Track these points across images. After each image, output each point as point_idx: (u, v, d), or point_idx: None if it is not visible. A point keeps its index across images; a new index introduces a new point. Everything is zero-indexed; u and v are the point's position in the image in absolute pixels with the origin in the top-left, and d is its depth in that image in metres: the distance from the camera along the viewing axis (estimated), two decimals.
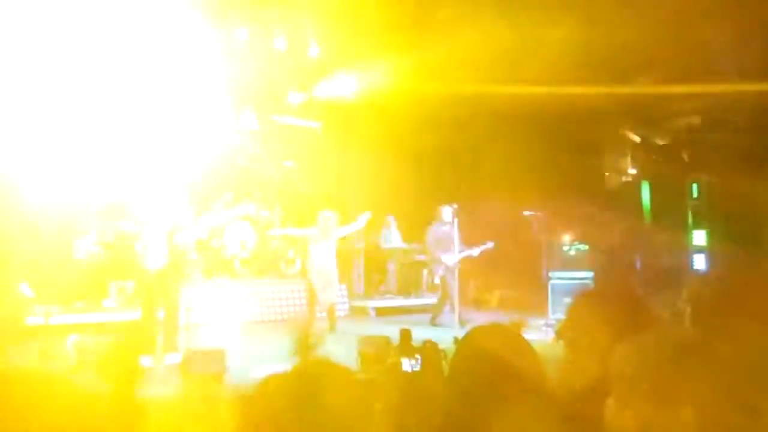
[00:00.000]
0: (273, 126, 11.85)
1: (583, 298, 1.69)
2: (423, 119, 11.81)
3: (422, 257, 9.96)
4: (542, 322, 7.69)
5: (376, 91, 11.65)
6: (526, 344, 1.46)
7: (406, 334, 2.10)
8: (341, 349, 5.61)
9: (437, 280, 8.72)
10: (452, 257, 8.30)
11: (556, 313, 8.95)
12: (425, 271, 11.12)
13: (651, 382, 1.04)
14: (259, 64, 10.78)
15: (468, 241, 8.53)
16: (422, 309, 10.40)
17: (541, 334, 7.19)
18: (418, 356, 1.93)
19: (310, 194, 11.39)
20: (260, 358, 5.33)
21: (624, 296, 1.64)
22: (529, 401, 1.34)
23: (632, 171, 19.56)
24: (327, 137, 12.30)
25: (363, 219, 8.13)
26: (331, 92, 11.66)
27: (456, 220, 8.45)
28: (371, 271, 12.29)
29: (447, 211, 8.56)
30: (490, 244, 8.57)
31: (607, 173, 19.50)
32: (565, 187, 14.39)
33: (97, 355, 3.96)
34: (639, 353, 1.08)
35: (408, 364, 1.92)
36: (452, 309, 8.29)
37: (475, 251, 8.49)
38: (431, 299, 10.72)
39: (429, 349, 1.97)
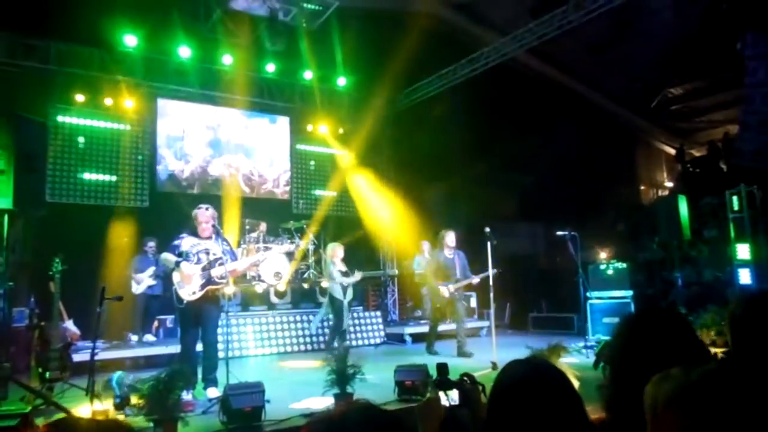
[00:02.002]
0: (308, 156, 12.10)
1: (630, 320, 1.65)
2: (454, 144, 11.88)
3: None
4: (581, 343, 7.50)
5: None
6: (563, 377, 1.44)
7: (442, 368, 2.08)
8: (379, 378, 5.59)
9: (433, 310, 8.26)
10: (450, 287, 7.81)
11: (595, 334, 8.75)
12: None
13: (672, 420, 1.01)
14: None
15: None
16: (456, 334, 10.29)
17: (581, 356, 7.01)
18: (456, 390, 1.91)
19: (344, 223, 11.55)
20: (298, 391, 5.34)
21: (672, 319, 1.59)
22: None
23: (669, 184, 19.21)
24: (359, 165, 12.46)
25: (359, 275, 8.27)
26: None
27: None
28: (405, 297, 12.28)
29: (450, 237, 8.03)
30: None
31: (643, 187, 19.20)
32: (601, 204, 14.21)
33: (140, 391, 4.03)
34: (663, 388, 1.06)
35: (446, 399, 1.90)
36: (459, 336, 7.82)
37: (475, 279, 7.87)
38: (469, 323, 10.62)
39: (467, 383, 1.95)
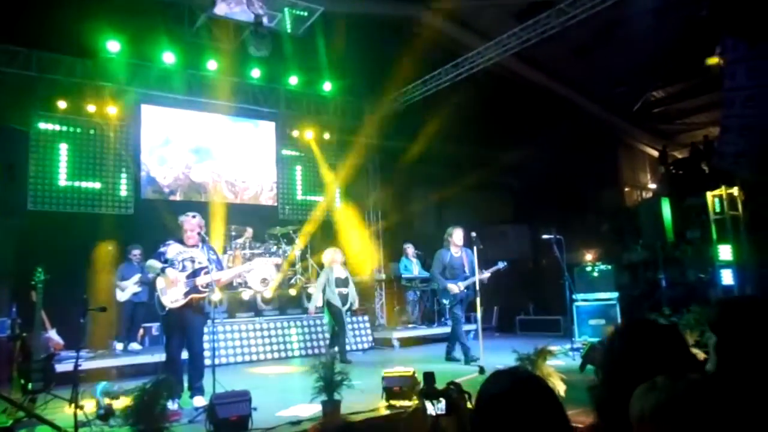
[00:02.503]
0: (295, 162, 12.07)
1: (624, 328, 1.67)
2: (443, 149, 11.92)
3: (432, 286, 9.07)
4: (567, 345, 7.55)
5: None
6: (546, 388, 1.45)
7: (429, 377, 2.09)
8: (366, 384, 5.58)
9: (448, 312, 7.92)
10: (460, 284, 7.53)
11: (582, 336, 8.82)
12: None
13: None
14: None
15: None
16: (446, 338, 10.31)
17: (567, 359, 7.06)
18: (442, 399, 1.92)
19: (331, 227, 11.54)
20: (286, 398, 5.31)
21: (666, 331, 1.61)
22: None
23: (652, 186, 19.42)
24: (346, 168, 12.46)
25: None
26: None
27: (471, 246, 7.30)
28: (392, 301, 12.29)
29: (458, 234, 7.72)
30: (501, 265, 7.60)
31: (627, 189, 19.40)
32: (586, 207, 14.33)
33: (125, 401, 3.99)
34: (649, 399, 1.07)
35: (432, 408, 1.90)
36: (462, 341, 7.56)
37: (486, 274, 7.45)
38: None
39: (453, 392, 1.95)
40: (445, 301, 7.88)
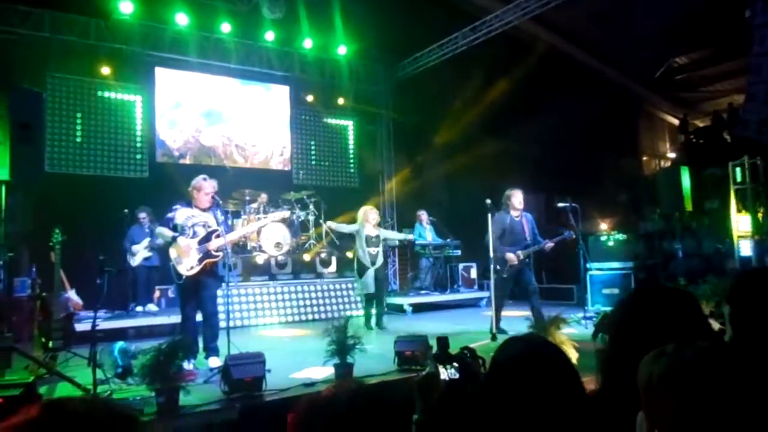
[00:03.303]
0: (309, 126, 12.00)
1: (636, 294, 1.64)
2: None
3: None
4: (581, 314, 7.54)
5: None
6: (560, 354, 1.43)
7: (442, 341, 2.08)
8: (379, 348, 5.64)
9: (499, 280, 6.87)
10: (519, 253, 6.79)
11: (595, 304, 8.81)
12: (460, 266, 11.07)
13: (666, 399, 1.01)
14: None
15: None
16: (458, 304, 10.38)
17: (580, 327, 7.06)
18: (455, 364, 1.91)
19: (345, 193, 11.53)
20: (299, 360, 5.39)
21: (680, 297, 1.57)
22: (565, 413, 1.32)
23: (671, 155, 19.09)
24: (360, 135, 12.39)
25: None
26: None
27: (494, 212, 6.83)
28: (405, 267, 12.33)
29: (518, 196, 6.99)
30: (567, 234, 6.95)
31: (645, 158, 19.10)
32: (603, 175, 14.14)
33: (141, 361, 4.06)
34: (658, 366, 1.05)
35: (445, 373, 1.90)
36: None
37: (549, 243, 6.84)
38: (466, 294, 10.70)
39: (467, 357, 1.95)
40: (499, 269, 6.85)
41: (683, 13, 12.59)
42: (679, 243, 10.28)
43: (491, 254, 6.78)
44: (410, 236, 9.15)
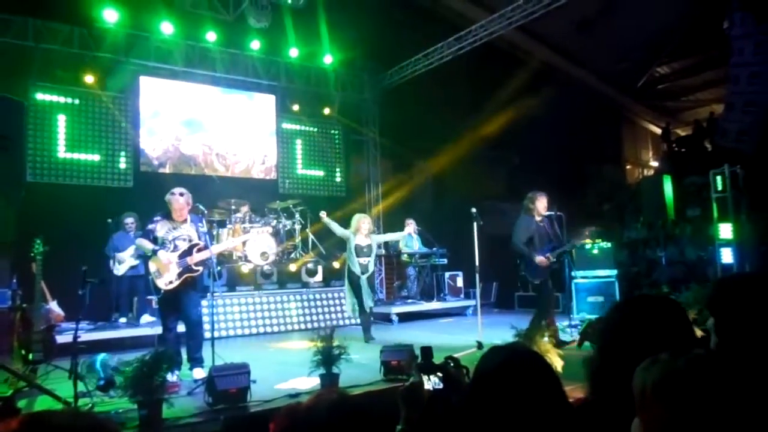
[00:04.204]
0: (295, 135, 11.98)
1: (624, 303, 1.67)
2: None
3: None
4: (566, 322, 7.58)
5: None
6: (543, 363, 1.44)
7: (426, 351, 2.08)
8: (365, 358, 5.62)
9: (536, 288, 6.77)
10: (549, 255, 6.54)
11: (580, 312, 8.86)
12: (447, 275, 11.08)
13: (659, 407, 1.02)
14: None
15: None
16: (444, 313, 10.39)
17: (565, 335, 7.09)
18: (439, 374, 1.91)
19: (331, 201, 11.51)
20: (284, 371, 5.35)
21: (667, 306, 1.59)
22: (548, 422, 1.33)
23: (654, 164, 19.34)
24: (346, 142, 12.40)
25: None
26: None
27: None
28: (391, 276, 12.33)
29: (543, 200, 6.69)
30: (587, 231, 6.92)
31: (628, 167, 19.33)
32: (587, 184, 14.28)
33: (124, 373, 4.00)
34: (651, 374, 1.07)
35: (429, 383, 1.90)
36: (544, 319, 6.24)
37: (571, 245, 6.67)
38: (453, 303, 10.71)
39: (451, 367, 1.95)
40: (534, 280, 6.69)
41: (665, 24, 12.82)
42: (662, 251, 10.41)
43: (519, 262, 6.67)
44: (403, 233, 8.89)
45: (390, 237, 8.92)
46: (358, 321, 7.83)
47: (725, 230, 8.85)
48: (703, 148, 14.36)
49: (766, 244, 9.24)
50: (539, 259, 6.48)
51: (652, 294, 1.88)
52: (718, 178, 9.01)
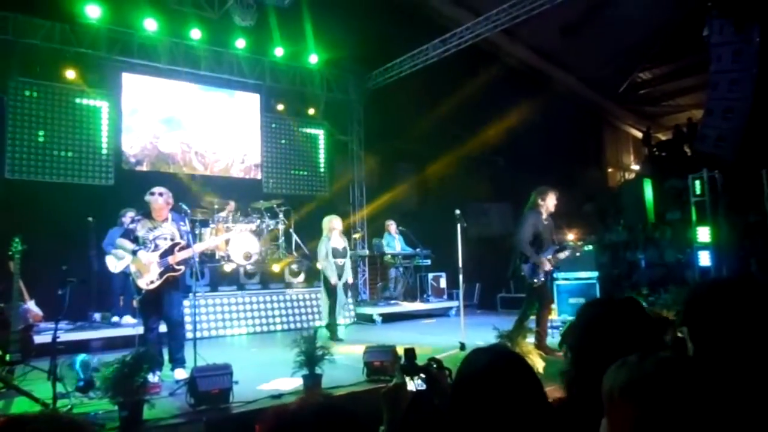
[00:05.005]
0: (279, 135, 11.93)
1: (592, 306, 1.70)
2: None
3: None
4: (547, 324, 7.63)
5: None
6: (524, 364, 1.46)
7: (409, 353, 2.09)
8: (348, 359, 5.63)
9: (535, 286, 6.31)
10: (550, 259, 6.25)
11: (562, 314, 8.94)
12: (430, 276, 11.12)
13: (627, 409, 1.04)
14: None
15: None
16: (428, 314, 10.43)
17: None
18: (422, 375, 1.93)
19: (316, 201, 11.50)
20: (267, 372, 5.33)
21: (629, 308, 1.63)
22: (529, 423, 1.35)
23: (635, 167, 19.59)
24: (330, 144, 12.38)
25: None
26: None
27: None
28: (375, 277, 12.34)
29: (552, 197, 6.34)
30: (571, 251, 6.51)
31: (610, 170, 19.56)
32: (569, 186, 14.41)
33: (104, 373, 3.96)
34: (619, 376, 1.09)
35: (412, 384, 1.91)
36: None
37: (573, 251, 6.42)
38: (436, 303, 10.75)
39: (433, 368, 1.96)
40: (535, 280, 6.24)
41: (647, 30, 13.01)
42: (642, 253, 10.54)
43: (519, 261, 6.27)
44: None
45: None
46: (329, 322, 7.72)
47: (703, 233, 9.01)
48: (683, 152, 14.58)
49: (743, 248, 9.41)
50: (543, 260, 6.16)
51: (609, 298, 1.92)
52: (697, 183, 9.16)
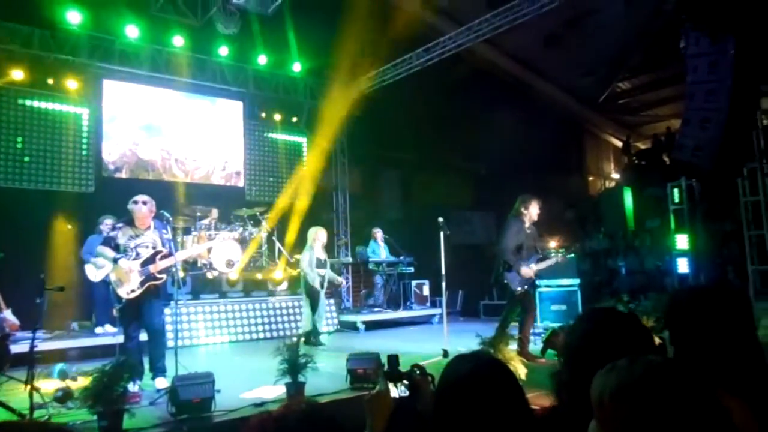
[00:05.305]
0: (262, 143, 11.90)
1: (587, 317, 1.73)
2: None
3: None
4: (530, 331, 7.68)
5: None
6: (507, 371, 1.48)
7: (392, 359, 2.10)
8: (331, 366, 5.61)
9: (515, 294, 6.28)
10: (533, 266, 6.28)
11: (544, 321, 9.01)
12: (413, 283, 11.14)
13: (617, 412, 1.06)
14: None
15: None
16: (411, 321, 10.44)
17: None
18: (405, 382, 1.93)
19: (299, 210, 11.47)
20: (250, 380, 5.29)
21: (627, 319, 1.67)
22: (510, 430, 1.36)
23: (616, 176, 19.86)
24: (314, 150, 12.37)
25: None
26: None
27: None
28: (358, 284, 12.32)
29: (536, 206, 6.38)
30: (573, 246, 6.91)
31: (591, 178, 19.81)
32: (551, 194, 14.56)
33: (83, 383, 3.91)
34: (609, 380, 1.10)
35: (395, 390, 1.92)
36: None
37: (555, 259, 6.42)
38: (419, 311, 10.77)
39: (417, 375, 1.97)
40: (518, 288, 6.22)
41: (626, 41, 13.25)
42: (623, 260, 10.68)
43: (502, 269, 6.27)
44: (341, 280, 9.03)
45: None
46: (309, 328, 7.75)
47: (681, 241, 9.15)
48: (662, 161, 14.83)
49: (721, 255, 9.58)
50: (525, 270, 6.20)
51: (611, 307, 1.95)
52: (675, 191, 9.32)
